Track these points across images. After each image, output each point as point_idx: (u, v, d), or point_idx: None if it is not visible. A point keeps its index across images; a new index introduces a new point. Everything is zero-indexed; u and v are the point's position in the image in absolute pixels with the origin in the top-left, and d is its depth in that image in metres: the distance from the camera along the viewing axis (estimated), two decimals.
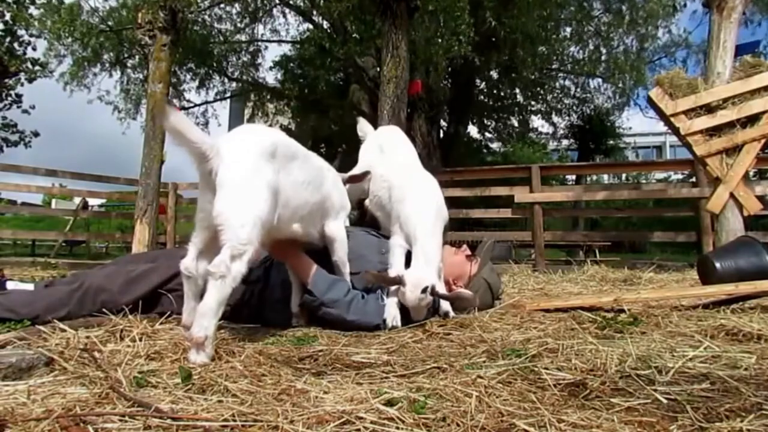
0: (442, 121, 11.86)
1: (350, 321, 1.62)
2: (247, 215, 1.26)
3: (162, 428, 0.77)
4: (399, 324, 1.69)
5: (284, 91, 12.00)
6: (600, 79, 11.58)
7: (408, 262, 1.78)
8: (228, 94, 12.48)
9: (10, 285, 1.67)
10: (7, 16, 10.81)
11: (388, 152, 2.13)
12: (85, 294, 1.57)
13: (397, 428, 0.79)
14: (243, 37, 11.47)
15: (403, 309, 1.72)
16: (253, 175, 1.30)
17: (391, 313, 1.69)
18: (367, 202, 2.11)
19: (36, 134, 13.23)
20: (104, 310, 1.53)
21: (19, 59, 11.02)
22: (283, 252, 1.63)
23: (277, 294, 1.76)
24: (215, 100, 12.24)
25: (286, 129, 12.95)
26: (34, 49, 11.57)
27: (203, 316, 1.17)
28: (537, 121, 14.56)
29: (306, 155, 1.60)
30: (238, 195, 1.26)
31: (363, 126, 2.48)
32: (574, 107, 13.63)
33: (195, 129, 1.26)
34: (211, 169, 1.27)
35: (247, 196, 1.28)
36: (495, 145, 17.00)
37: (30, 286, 1.69)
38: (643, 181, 12.63)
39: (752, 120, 3.25)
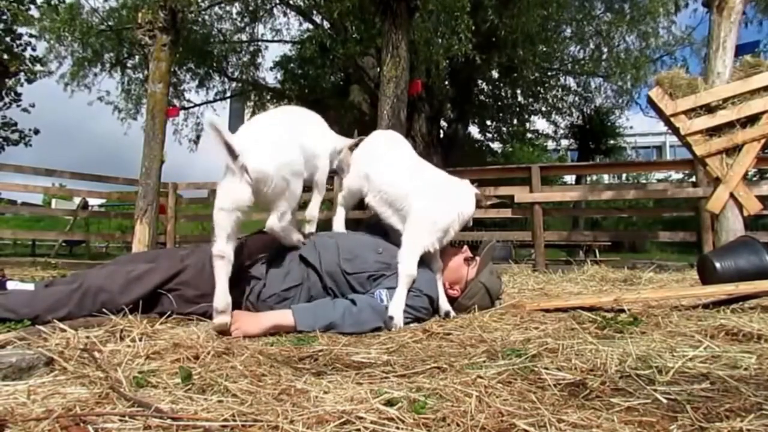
0: (442, 120, 11.86)
1: (349, 333, 1.61)
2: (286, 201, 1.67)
3: (162, 428, 0.77)
4: (401, 324, 1.70)
5: (284, 91, 12.00)
6: (601, 79, 11.59)
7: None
8: (228, 94, 12.48)
9: (11, 285, 1.67)
10: (7, 15, 10.81)
11: (394, 152, 2.13)
12: (85, 294, 1.57)
13: (397, 428, 0.79)
14: (243, 37, 11.47)
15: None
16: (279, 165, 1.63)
17: (398, 315, 1.69)
18: (369, 199, 2.08)
19: (36, 132, 13.22)
20: (104, 310, 1.53)
21: (19, 59, 11.02)
22: (252, 324, 1.57)
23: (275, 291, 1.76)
24: (215, 100, 12.25)
25: None
26: (33, 49, 11.58)
27: None
28: (538, 122, 14.56)
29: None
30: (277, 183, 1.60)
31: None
32: (575, 106, 13.63)
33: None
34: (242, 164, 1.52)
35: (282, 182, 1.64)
36: (495, 146, 17.00)
37: (30, 286, 1.68)
38: (644, 181, 12.63)
39: (752, 120, 3.25)
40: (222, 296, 1.52)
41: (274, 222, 1.70)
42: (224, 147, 1.51)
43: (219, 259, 1.54)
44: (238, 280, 1.74)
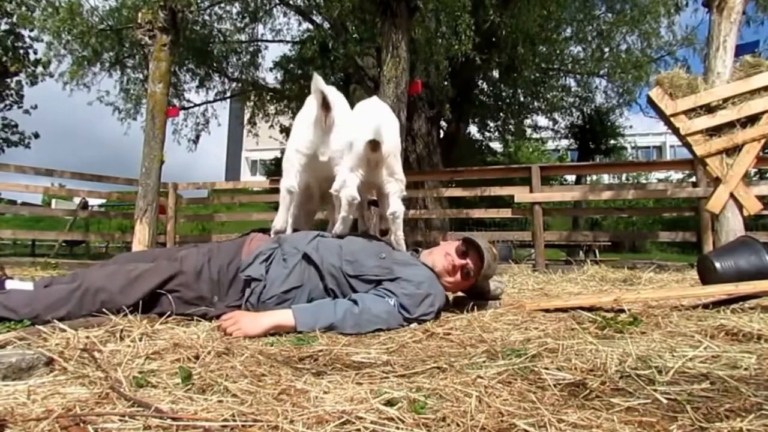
0: (442, 120, 11.85)
1: (350, 334, 1.60)
2: None
3: (162, 428, 0.77)
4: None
5: (284, 91, 11.98)
6: (601, 79, 11.58)
7: None
8: (228, 94, 12.46)
9: (9, 284, 1.67)
10: (14, 17, 10.79)
11: None
12: (85, 294, 1.57)
13: (397, 428, 0.79)
14: (243, 37, 11.46)
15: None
16: None
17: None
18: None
19: (36, 135, 13.23)
20: (104, 310, 1.53)
21: (20, 61, 11.01)
22: (252, 324, 1.55)
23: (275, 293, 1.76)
24: (215, 100, 12.22)
25: (286, 129, 12.96)
26: (35, 52, 11.56)
27: None
28: (540, 121, 14.55)
29: None
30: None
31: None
32: (576, 105, 13.61)
33: None
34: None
35: None
36: (496, 145, 16.98)
37: (29, 285, 1.68)
38: (644, 181, 12.64)
39: (752, 120, 3.25)
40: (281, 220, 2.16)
41: (338, 184, 2.01)
42: (322, 100, 1.99)
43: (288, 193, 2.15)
44: (239, 282, 1.74)
